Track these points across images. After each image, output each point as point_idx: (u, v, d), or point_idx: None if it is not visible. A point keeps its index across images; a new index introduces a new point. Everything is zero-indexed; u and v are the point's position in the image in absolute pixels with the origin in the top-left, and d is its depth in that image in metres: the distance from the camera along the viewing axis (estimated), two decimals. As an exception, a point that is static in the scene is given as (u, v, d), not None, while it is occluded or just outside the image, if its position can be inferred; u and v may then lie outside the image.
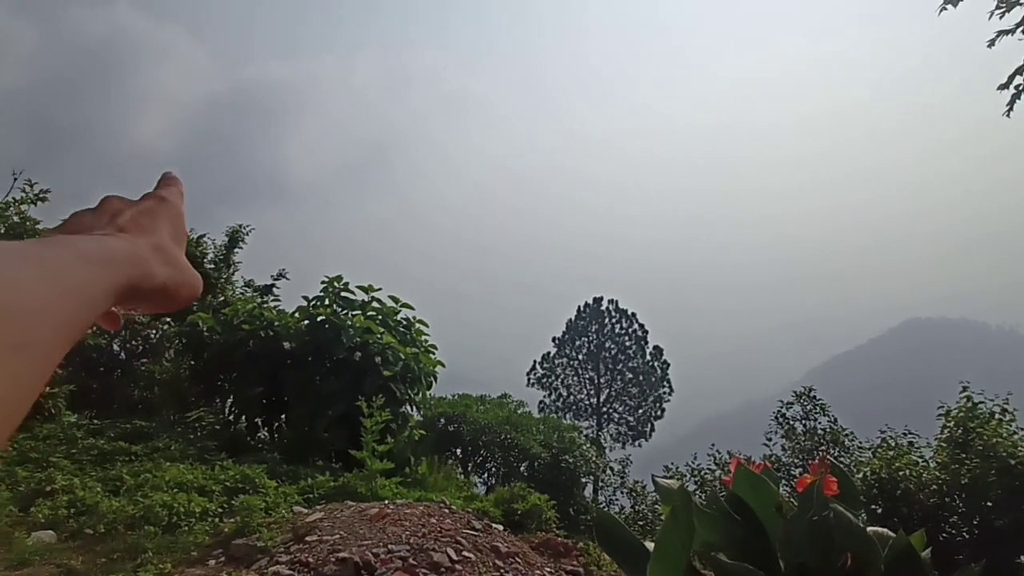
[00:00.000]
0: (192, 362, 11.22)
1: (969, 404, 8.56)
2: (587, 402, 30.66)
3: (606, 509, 13.33)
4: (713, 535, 2.31)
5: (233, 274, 14.02)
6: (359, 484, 6.80)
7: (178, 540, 5.16)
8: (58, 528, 5.63)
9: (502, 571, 4.86)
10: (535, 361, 31.54)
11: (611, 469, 15.35)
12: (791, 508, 2.47)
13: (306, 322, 10.02)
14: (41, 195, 11.11)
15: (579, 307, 32.10)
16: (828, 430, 11.24)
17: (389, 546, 4.82)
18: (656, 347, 31.12)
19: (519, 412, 13.72)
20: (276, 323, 10.05)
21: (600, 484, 15.11)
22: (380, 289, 10.37)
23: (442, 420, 12.09)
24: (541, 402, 30.06)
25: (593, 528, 2.61)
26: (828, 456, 2.52)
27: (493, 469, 12.10)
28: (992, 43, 6.88)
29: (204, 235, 14.04)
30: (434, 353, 10.27)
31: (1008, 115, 7.03)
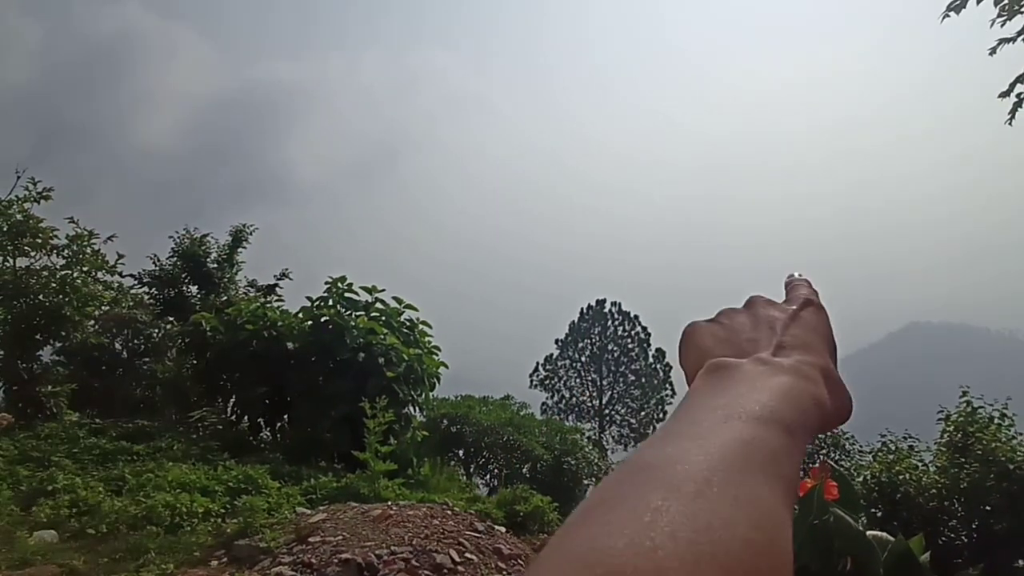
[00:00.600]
0: (194, 362, 11.24)
1: (969, 409, 8.58)
2: (589, 404, 30.66)
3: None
4: (714, 538, 2.33)
5: (236, 274, 14.04)
6: (362, 485, 6.83)
7: (181, 540, 5.18)
8: (60, 528, 5.64)
9: (504, 573, 4.89)
10: (538, 363, 31.56)
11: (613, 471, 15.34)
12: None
13: (309, 323, 10.04)
14: (44, 193, 11.15)
15: (582, 309, 32.13)
16: (828, 434, 11.25)
17: (392, 547, 4.85)
18: (659, 350, 31.13)
19: (522, 414, 13.75)
20: (279, 323, 10.07)
21: (601, 486, 15.09)
22: (384, 290, 10.41)
23: (445, 421, 12.11)
24: (544, 404, 30.06)
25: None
26: (828, 461, 2.54)
27: (495, 471, 12.13)
28: (993, 51, 6.91)
29: (207, 234, 14.07)
30: (437, 354, 10.30)
31: (1010, 123, 7.05)
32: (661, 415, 30.37)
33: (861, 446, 10.94)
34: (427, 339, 10.33)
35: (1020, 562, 7.68)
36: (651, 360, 30.99)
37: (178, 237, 13.89)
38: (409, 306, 10.42)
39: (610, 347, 31.33)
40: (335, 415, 8.85)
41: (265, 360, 9.68)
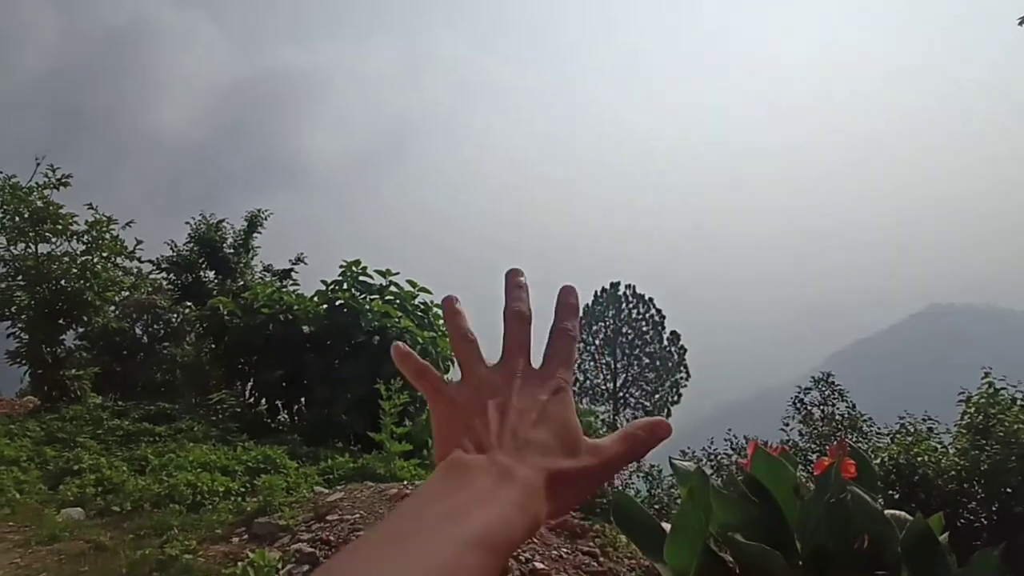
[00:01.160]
0: (213, 345, 11.39)
1: (991, 390, 8.45)
2: (604, 387, 30.69)
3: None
4: (730, 516, 2.32)
5: (252, 259, 14.16)
6: (378, 465, 6.90)
7: (202, 518, 5.28)
8: (86, 505, 5.79)
9: (519, 552, 4.92)
10: (551, 346, 31.59)
11: None
12: (808, 491, 2.47)
13: (325, 306, 10.11)
14: (63, 180, 11.27)
15: (596, 292, 32.03)
16: (846, 416, 11.15)
17: (408, 526, 4.88)
18: (673, 332, 31.02)
19: (535, 396, 13.78)
20: (295, 307, 10.16)
21: (616, 468, 15.16)
22: (398, 273, 10.42)
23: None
24: (557, 387, 30.13)
25: (610, 509, 2.62)
26: (846, 439, 2.52)
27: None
28: (1022, 21, 6.76)
29: (223, 220, 14.18)
30: (451, 337, 10.33)
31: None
32: (676, 398, 30.33)
33: (879, 428, 10.83)
34: (441, 322, 10.37)
35: (1041, 544, 7.61)
36: (665, 343, 30.89)
37: (194, 223, 14.01)
38: (423, 289, 10.45)
39: (624, 330, 31.26)
40: (351, 397, 8.94)
41: (282, 343, 9.79)
